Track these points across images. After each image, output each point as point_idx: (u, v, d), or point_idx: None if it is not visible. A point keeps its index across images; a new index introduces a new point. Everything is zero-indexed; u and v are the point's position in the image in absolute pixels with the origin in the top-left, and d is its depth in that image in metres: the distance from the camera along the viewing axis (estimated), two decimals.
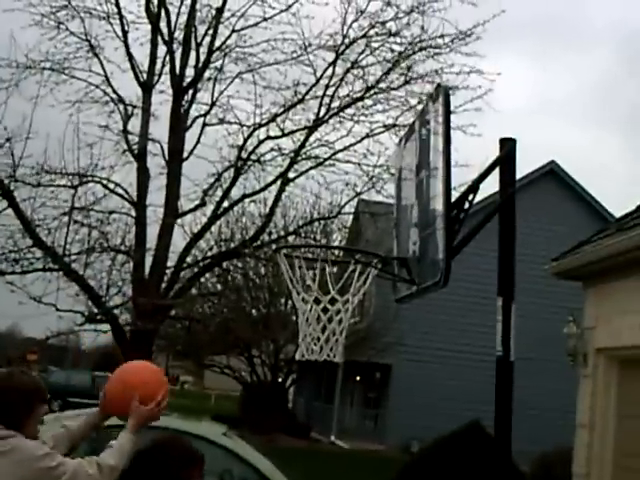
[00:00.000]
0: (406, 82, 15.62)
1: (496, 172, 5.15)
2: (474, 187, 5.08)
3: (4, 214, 14.37)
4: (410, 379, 27.28)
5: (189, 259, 16.77)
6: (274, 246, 19.78)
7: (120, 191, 15.37)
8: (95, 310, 14.81)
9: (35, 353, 58.10)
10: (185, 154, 15.81)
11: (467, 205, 4.98)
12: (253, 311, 28.19)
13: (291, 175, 16.17)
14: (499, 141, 4.99)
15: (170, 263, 15.81)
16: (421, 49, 15.32)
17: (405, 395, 27.37)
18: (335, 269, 5.26)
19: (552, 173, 28.16)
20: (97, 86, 15.69)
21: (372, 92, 15.79)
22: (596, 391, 9.76)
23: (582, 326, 10.15)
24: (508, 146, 4.95)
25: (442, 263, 4.61)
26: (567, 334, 10.32)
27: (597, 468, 9.81)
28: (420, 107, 14.78)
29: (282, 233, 21.95)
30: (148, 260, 15.24)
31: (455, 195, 5.00)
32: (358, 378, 32.94)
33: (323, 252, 6.19)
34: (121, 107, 15.75)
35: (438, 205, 4.92)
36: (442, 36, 14.96)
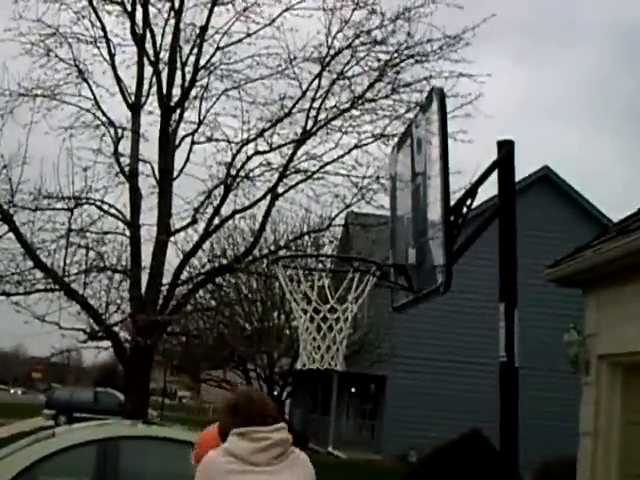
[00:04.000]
0: (393, 91, 15.51)
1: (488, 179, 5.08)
2: (472, 192, 5.00)
3: (5, 238, 14.68)
4: (405, 390, 27.23)
5: (183, 276, 16.72)
6: (266, 261, 19.81)
7: (114, 212, 15.46)
8: (96, 327, 14.85)
9: (40, 371, 58.30)
10: (175, 173, 15.79)
11: (465, 210, 4.90)
12: (247, 325, 28.13)
13: (280, 190, 16.10)
14: (497, 143, 4.92)
15: (165, 280, 15.79)
16: (408, 57, 15.23)
17: (400, 406, 27.31)
18: (327, 281, 5.16)
19: (546, 179, 27.95)
20: (87, 110, 15.73)
21: (359, 102, 15.71)
22: (600, 398, 9.65)
23: (583, 333, 10.05)
24: (506, 148, 4.88)
25: (443, 269, 4.53)
26: (568, 342, 10.21)
27: (602, 476, 9.68)
28: (408, 115, 14.79)
29: (273, 248, 21.89)
30: (144, 278, 15.25)
31: (451, 201, 4.93)
32: (353, 390, 32.90)
33: (319, 262, 6.12)
34: (111, 130, 15.75)
35: (436, 211, 4.85)
36: (429, 41, 14.87)
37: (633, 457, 9.35)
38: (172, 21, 15.72)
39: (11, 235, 14.54)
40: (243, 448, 3.54)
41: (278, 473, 3.51)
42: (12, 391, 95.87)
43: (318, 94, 15.73)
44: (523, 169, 26.15)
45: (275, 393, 30.77)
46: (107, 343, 15.54)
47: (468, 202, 4.93)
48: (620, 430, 9.56)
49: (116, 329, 15.53)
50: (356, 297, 4.83)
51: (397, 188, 5.60)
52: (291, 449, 3.62)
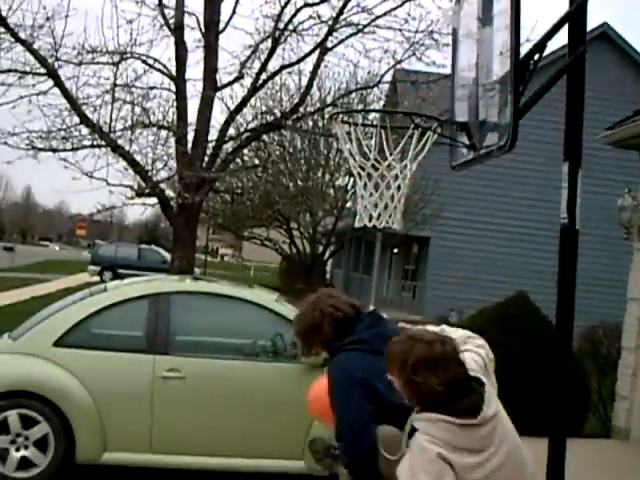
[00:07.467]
0: None
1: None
2: (540, 46, 4.74)
3: (50, 93, 14.56)
4: (448, 251, 27.28)
5: (229, 133, 16.59)
6: (311, 118, 19.53)
7: (159, 66, 15.24)
8: (143, 184, 14.86)
9: (84, 228, 59.35)
10: (221, 26, 15.43)
11: (532, 66, 4.67)
12: (291, 184, 28.15)
13: (329, 44, 15.71)
14: None
15: (211, 137, 15.71)
16: None
17: (443, 267, 27.42)
18: (374, 139, 4.98)
19: (604, 37, 26.46)
20: None
21: None
22: None
23: (638, 198, 9.89)
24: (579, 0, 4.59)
25: (508, 126, 4.34)
26: (621, 206, 10.07)
27: None
28: None
29: (319, 105, 21.62)
30: (190, 135, 15.14)
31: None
32: (396, 250, 33.03)
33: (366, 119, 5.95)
34: None
35: (502, 65, 4.62)
36: None
37: None
38: None
39: (56, 90, 14.46)
40: (471, 439, 3.11)
41: (497, 452, 3.15)
42: (50, 246, 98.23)
43: None
44: None
45: (318, 252, 31.12)
46: (154, 200, 15.64)
47: (536, 57, 4.68)
48: None
49: (163, 186, 15.63)
50: (416, 155, 4.67)
51: (460, 39, 5.35)
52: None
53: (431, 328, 3.93)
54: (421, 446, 3.08)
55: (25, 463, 6.78)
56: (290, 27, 15.40)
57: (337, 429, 3.76)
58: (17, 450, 6.77)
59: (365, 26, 15.28)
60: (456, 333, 3.84)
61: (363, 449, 3.59)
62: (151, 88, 15.34)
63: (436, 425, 3.08)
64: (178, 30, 15.11)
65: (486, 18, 4.98)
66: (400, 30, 15.14)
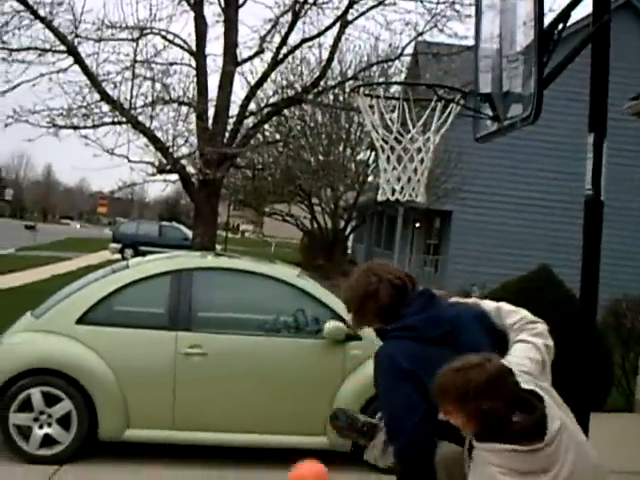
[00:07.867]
0: None
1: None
2: (564, 15, 4.66)
3: (71, 71, 14.59)
4: (471, 226, 27.12)
5: (250, 108, 16.53)
6: (332, 92, 19.38)
7: (179, 42, 15.21)
8: (164, 161, 14.84)
9: (105, 206, 59.71)
10: (241, 0, 15.33)
11: (556, 35, 4.59)
12: (312, 159, 28.06)
13: (350, 17, 15.58)
14: None
15: (231, 113, 15.64)
16: None
17: (465, 242, 27.28)
18: (397, 112, 4.90)
19: (628, 5, 25.86)
20: None
21: None
22: None
23: None
24: None
25: (533, 97, 4.27)
26: None
27: None
28: None
29: (340, 79, 21.51)
30: (211, 111, 15.12)
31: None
32: (418, 225, 32.91)
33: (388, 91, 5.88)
34: None
35: (526, 35, 4.54)
36: None
37: None
38: None
39: (76, 67, 14.47)
40: (537, 461, 2.95)
41: (565, 463, 2.99)
42: (71, 224, 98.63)
43: None
44: None
45: (340, 227, 31.09)
46: (175, 177, 15.63)
47: (560, 26, 4.60)
48: None
49: (184, 162, 15.61)
50: (438, 127, 4.61)
51: (482, 11, 5.26)
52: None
53: (488, 304, 3.70)
54: (494, 478, 2.97)
55: (48, 440, 6.80)
56: (310, 0, 15.27)
57: (387, 428, 3.44)
58: (40, 428, 6.79)
59: None
60: (516, 315, 3.53)
61: (419, 454, 3.29)
62: (171, 64, 15.34)
63: (503, 455, 2.95)
64: (198, 5, 15.05)
65: None
66: (421, 1, 15.04)
